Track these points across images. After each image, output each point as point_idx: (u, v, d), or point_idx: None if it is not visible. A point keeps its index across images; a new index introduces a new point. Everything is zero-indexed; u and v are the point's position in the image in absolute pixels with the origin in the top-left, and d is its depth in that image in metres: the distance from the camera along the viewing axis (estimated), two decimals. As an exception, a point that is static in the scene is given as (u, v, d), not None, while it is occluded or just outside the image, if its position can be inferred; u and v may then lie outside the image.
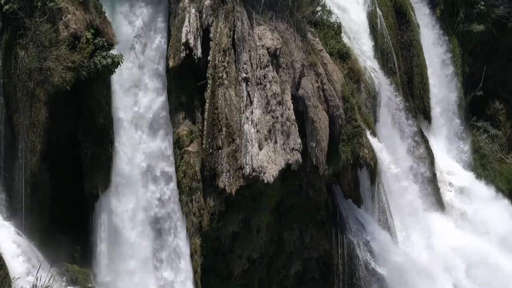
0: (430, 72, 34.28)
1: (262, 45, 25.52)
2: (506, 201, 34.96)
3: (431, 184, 32.56)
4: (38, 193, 22.99)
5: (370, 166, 28.02)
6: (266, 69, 25.40)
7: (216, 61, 24.92)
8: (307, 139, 25.79)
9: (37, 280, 20.37)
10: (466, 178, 34.43)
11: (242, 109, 24.91)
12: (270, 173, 24.75)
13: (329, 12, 29.16)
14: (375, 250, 27.76)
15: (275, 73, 25.52)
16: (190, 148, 25.12)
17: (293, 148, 25.27)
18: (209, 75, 24.94)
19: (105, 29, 23.80)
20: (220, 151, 24.66)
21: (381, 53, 31.87)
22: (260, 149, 24.83)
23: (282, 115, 25.30)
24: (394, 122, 31.41)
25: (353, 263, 27.48)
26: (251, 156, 24.59)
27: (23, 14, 22.18)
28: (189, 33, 24.95)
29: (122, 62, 23.67)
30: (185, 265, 25.22)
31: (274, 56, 25.64)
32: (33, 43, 22.25)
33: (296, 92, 25.90)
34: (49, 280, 20.40)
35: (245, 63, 25.17)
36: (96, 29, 23.52)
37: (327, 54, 27.43)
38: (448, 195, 33.61)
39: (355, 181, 28.24)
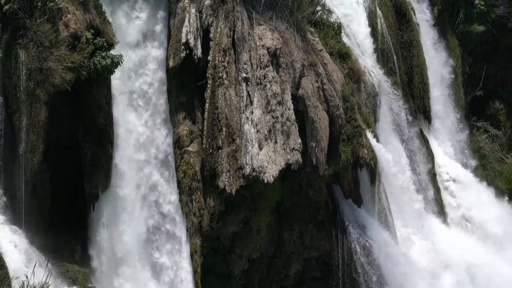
0: (430, 71, 34.28)
1: (262, 45, 25.52)
2: (506, 202, 34.97)
3: (431, 184, 32.56)
4: (38, 193, 22.99)
5: (370, 166, 28.01)
6: (266, 69, 25.40)
7: (216, 61, 24.92)
8: (307, 139, 25.79)
9: (27, 277, 20.35)
10: (466, 178, 34.43)
11: (242, 109, 24.91)
12: (270, 173, 24.75)
13: (329, 12, 29.15)
14: (375, 250, 27.75)
15: (275, 73, 25.52)
16: (190, 148, 25.13)
17: (293, 148, 25.27)
18: (209, 75, 24.95)
19: (105, 29, 23.80)
20: (220, 151, 24.66)
21: (381, 53, 31.87)
22: (260, 149, 24.84)
23: (282, 115, 25.30)
24: (394, 122, 31.41)
25: (353, 263, 27.47)
26: (251, 156, 24.59)
27: (23, 14, 22.17)
28: (189, 33, 24.96)
29: (122, 62, 23.67)
30: (185, 265, 25.24)
31: (274, 56, 25.64)
32: (33, 43, 22.24)
33: (296, 92, 25.89)
34: (46, 279, 20.39)
35: (245, 63, 25.17)
36: (96, 29, 23.52)
37: (327, 54, 27.43)
38: (448, 195, 33.61)
39: (355, 181, 28.23)
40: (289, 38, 26.12)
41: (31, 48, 22.23)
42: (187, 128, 25.26)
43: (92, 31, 23.38)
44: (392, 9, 33.16)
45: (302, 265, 27.67)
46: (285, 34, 26.05)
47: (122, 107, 24.87)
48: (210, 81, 24.91)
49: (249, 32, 25.48)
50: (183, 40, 24.89)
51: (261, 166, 24.61)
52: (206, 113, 24.88)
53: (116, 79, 24.49)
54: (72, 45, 22.87)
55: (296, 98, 25.86)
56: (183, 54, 24.95)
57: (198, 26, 25.16)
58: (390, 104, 31.29)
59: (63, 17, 22.84)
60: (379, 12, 32.13)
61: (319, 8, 28.68)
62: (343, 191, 28.15)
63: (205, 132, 24.89)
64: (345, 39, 29.82)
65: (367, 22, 32.12)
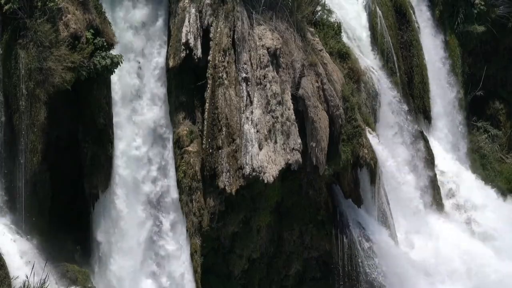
0: (429, 71, 34.29)
1: (262, 45, 25.53)
2: (506, 201, 34.97)
3: (431, 184, 32.57)
4: (38, 193, 22.99)
5: (370, 166, 28.01)
6: (266, 69, 25.40)
7: (216, 61, 24.93)
8: (307, 139, 25.79)
9: (27, 277, 20.39)
10: (466, 178, 34.43)
11: (242, 109, 24.92)
12: (270, 173, 24.75)
13: (329, 11, 29.14)
14: (375, 250, 27.76)
15: (275, 73, 25.53)
16: (190, 148, 25.13)
17: (293, 148, 25.27)
18: (209, 75, 24.96)
19: (105, 29, 23.79)
20: (220, 151, 24.67)
21: (381, 53, 31.88)
22: (260, 149, 24.84)
23: (282, 115, 25.30)
24: (394, 122, 31.41)
25: (353, 263, 27.47)
26: (251, 156, 24.60)
27: (23, 14, 22.18)
28: (189, 33, 24.96)
29: (121, 62, 23.66)
30: (185, 265, 25.25)
31: (274, 56, 25.64)
32: (33, 43, 22.24)
33: (296, 92, 25.89)
34: (45, 278, 20.41)
35: (245, 63, 25.18)
36: (96, 29, 23.51)
37: (327, 54, 27.43)
38: (447, 195, 33.61)
39: (355, 181, 28.23)
40: (289, 38, 26.12)
41: (31, 48, 22.22)
42: (187, 128, 25.27)
43: (92, 31, 23.37)
44: (392, 9, 33.16)
45: (302, 265, 27.67)
46: (285, 34, 26.05)
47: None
48: (210, 81, 24.91)
49: (249, 32, 25.49)
50: (183, 40, 24.89)
51: (261, 166, 24.61)
52: (206, 113, 24.89)
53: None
54: (72, 45, 22.86)
55: (296, 98, 25.86)
56: (183, 54, 24.95)
57: (198, 26, 25.17)
58: (390, 104, 31.29)
59: (63, 17, 22.83)
60: (379, 12, 32.14)
61: (319, 8, 28.68)
62: (343, 191, 28.15)
63: (205, 132, 24.90)
64: (345, 39, 29.82)
65: (367, 22, 32.12)
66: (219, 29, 25.13)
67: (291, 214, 27.06)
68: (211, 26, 25.20)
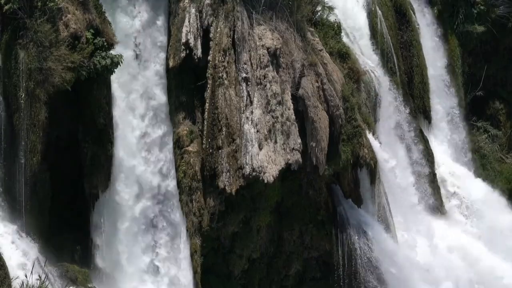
0: (429, 71, 34.29)
1: (262, 45, 25.53)
2: (505, 201, 34.97)
3: (431, 184, 32.57)
4: (38, 193, 23.00)
5: (370, 166, 28.01)
6: (266, 69, 25.40)
7: (216, 61, 24.93)
8: (307, 139, 25.79)
9: (26, 277, 20.38)
10: (466, 178, 34.43)
11: (242, 109, 24.92)
12: (270, 173, 24.76)
13: (331, 8, 29.07)
14: (375, 250, 27.76)
15: (275, 73, 25.53)
16: (190, 148, 25.14)
17: (293, 148, 25.27)
18: (209, 75, 24.96)
19: (105, 29, 23.79)
20: (220, 151, 24.67)
21: (381, 53, 31.88)
22: (260, 149, 24.84)
23: (282, 115, 25.30)
24: (394, 122, 31.41)
25: (353, 263, 27.48)
26: (251, 156, 24.60)
27: (23, 14, 22.18)
28: (189, 33, 24.96)
29: (121, 62, 23.66)
30: (185, 265, 25.24)
31: (274, 56, 25.64)
32: (33, 43, 22.25)
33: (296, 92, 25.90)
34: (44, 277, 20.41)
35: (245, 63, 25.18)
36: (96, 29, 23.51)
37: (327, 54, 27.43)
38: (447, 195, 33.61)
39: (355, 181, 28.23)
40: (289, 38, 26.12)
41: (31, 48, 22.23)
42: (187, 128, 25.27)
43: (92, 31, 23.37)
44: (392, 9, 33.17)
45: (302, 265, 27.67)
46: (285, 34, 26.05)
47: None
48: (210, 81, 24.92)
49: (249, 32, 25.48)
50: (183, 40, 24.89)
51: (261, 166, 24.61)
52: (206, 113, 24.89)
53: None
54: (72, 45, 22.86)
55: (296, 98, 25.86)
56: (183, 54, 24.96)
57: (198, 26, 25.17)
58: (390, 104, 31.29)
59: (63, 17, 22.84)
60: (379, 12, 32.14)
61: (319, 8, 28.66)
62: (343, 191, 28.15)
63: (205, 132, 24.90)
64: (345, 39, 29.81)
65: (367, 22, 32.12)
66: (219, 29, 25.13)
67: (291, 214, 27.06)
68: (211, 26, 25.21)
